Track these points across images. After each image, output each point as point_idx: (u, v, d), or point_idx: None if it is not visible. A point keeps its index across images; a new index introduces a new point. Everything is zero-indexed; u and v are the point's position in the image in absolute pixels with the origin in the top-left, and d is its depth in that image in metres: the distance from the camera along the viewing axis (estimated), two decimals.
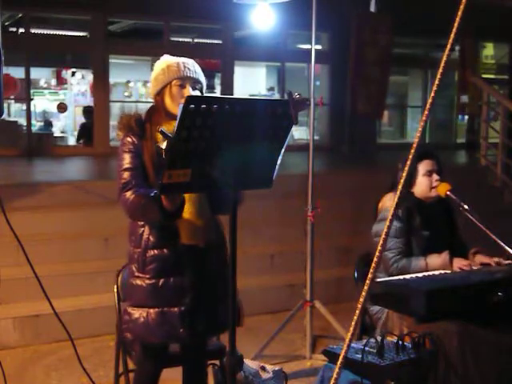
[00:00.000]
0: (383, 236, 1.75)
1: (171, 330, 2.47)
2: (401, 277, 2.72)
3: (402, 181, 1.78)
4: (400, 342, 2.43)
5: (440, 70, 1.66)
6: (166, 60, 2.58)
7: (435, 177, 3.17)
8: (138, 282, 2.51)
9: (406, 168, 1.77)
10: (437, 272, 2.91)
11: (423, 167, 3.20)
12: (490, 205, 6.65)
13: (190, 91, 2.52)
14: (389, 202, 3.21)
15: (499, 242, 2.84)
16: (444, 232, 3.26)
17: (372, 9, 3.94)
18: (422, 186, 3.19)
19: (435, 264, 3.05)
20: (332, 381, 1.76)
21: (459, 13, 1.62)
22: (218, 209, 2.54)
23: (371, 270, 1.77)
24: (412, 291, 2.46)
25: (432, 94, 1.69)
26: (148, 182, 2.46)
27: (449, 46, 1.65)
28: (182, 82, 2.52)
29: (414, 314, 2.46)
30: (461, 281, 2.67)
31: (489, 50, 13.32)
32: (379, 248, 1.75)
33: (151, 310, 2.48)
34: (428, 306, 2.38)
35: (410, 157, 1.75)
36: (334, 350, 2.49)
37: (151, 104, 2.63)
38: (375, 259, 1.76)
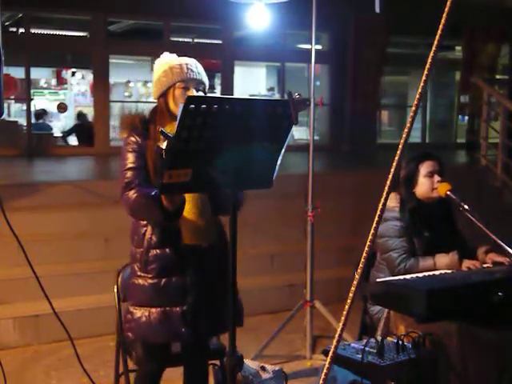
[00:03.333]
0: (372, 232, 1.75)
1: (173, 330, 2.47)
2: (401, 277, 2.72)
3: (388, 183, 1.77)
4: (400, 342, 2.43)
5: (427, 67, 1.65)
6: (168, 61, 2.55)
7: (436, 178, 3.16)
8: (141, 281, 2.51)
9: (392, 170, 1.76)
10: (437, 272, 2.91)
11: (424, 168, 3.19)
12: (490, 205, 6.65)
13: (193, 93, 2.50)
14: (391, 202, 3.21)
15: (499, 241, 2.84)
16: (445, 233, 3.26)
17: (377, 9, 3.92)
18: (424, 186, 3.19)
19: (443, 263, 3.05)
20: (322, 374, 1.77)
21: (446, 9, 1.61)
22: (218, 209, 2.53)
23: (360, 265, 1.77)
24: (412, 291, 2.46)
25: (419, 91, 1.68)
26: (150, 182, 2.46)
27: (436, 43, 1.64)
28: (185, 84, 2.50)
29: (414, 314, 2.46)
30: (461, 281, 2.67)
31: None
32: (368, 244, 1.75)
33: (153, 310, 2.48)
34: (428, 306, 2.38)
35: (396, 158, 1.74)
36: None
37: (155, 104, 2.61)
38: (364, 255, 1.76)
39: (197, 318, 2.50)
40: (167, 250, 2.48)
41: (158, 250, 2.48)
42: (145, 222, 2.51)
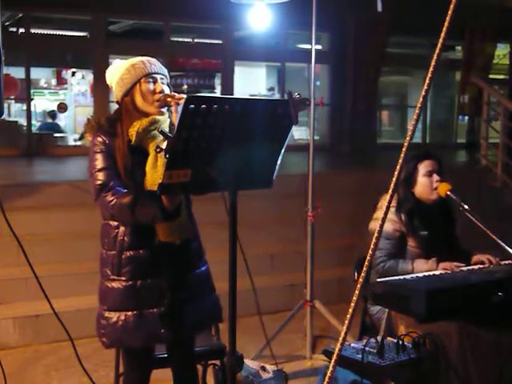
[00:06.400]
0: (375, 234, 1.74)
1: (151, 332, 2.43)
2: (401, 277, 2.72)
3: (391, 189, 1.78)
4: (400, 342, 2.43)
5: (431, 69, 1.66)
6: (129, 60, 2.53)
7: (436, 177, 3.15)
8: (114, 284, 2.44)
9: (399, 170, 1.77)
10: (437, 272, 2.91)
11: (423, 168, 3.18)
12: (490, 205, 6.65)
13: (160, 85, 2.46)
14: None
15: (499, 242, 2.84)
16: (443, 233, 3.26)
17: (379, 8, 3.92)
18: (423, 186, 3.17)
19: (422, 270, 3.01)
20: (327, 377, 1.77)
21: (449, 12, 1.61)
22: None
23: (364, 269, 1.77)
24: (412, 291, 2.46)
25: (423, 93, 1.69)
26: (121, 182, 2.39)
27: (439, 45, 1.64)
28: (150, 78, 2.46)
29: (414, 314, 2.46)
30: (461, 281, 2.67)
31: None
32: (372, 247, 1.75)
33: (129, 313, 2.42)
34: (428, 306, 2.38)
35: (400, 161, 1.74)
36: (335, 350, 2.49)
37: (117, 107, 2.54)
38: (368, 258, 1.76)
39: (175, 317, 2.46)
40: (141, 251, 2.42)
41: (131, 252, 2.42)
42: (116, 224, 2.43)
